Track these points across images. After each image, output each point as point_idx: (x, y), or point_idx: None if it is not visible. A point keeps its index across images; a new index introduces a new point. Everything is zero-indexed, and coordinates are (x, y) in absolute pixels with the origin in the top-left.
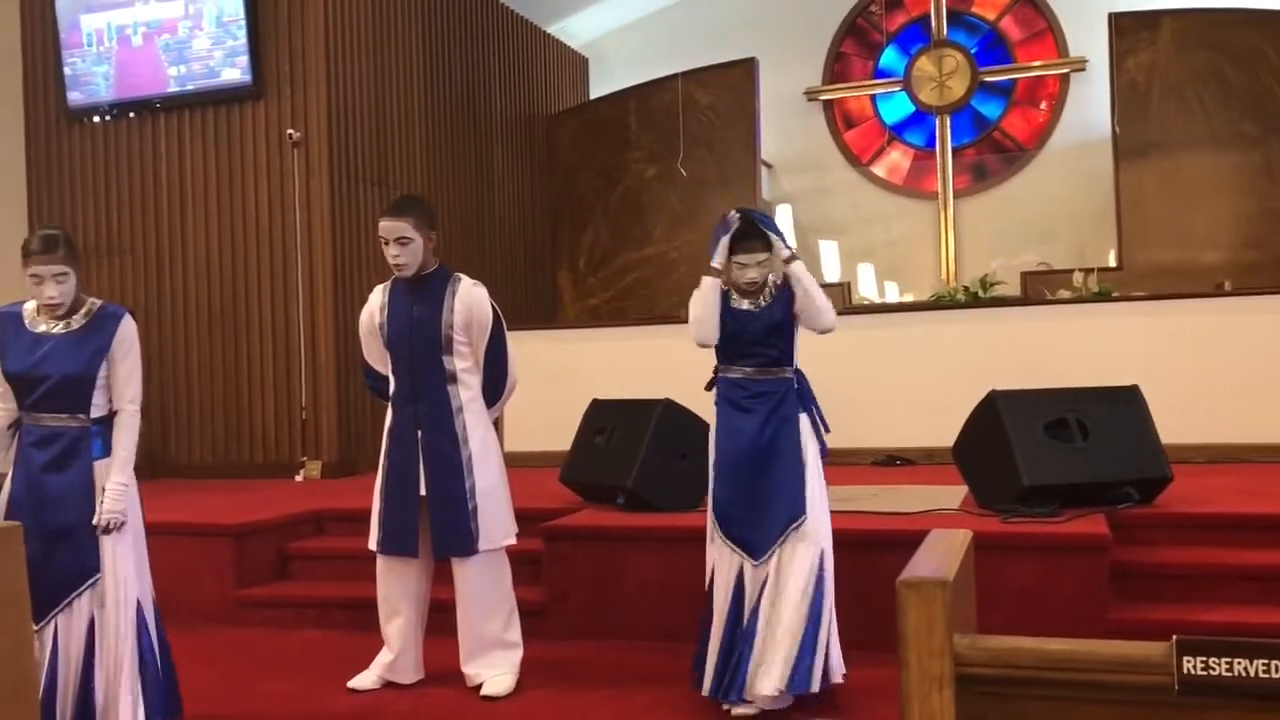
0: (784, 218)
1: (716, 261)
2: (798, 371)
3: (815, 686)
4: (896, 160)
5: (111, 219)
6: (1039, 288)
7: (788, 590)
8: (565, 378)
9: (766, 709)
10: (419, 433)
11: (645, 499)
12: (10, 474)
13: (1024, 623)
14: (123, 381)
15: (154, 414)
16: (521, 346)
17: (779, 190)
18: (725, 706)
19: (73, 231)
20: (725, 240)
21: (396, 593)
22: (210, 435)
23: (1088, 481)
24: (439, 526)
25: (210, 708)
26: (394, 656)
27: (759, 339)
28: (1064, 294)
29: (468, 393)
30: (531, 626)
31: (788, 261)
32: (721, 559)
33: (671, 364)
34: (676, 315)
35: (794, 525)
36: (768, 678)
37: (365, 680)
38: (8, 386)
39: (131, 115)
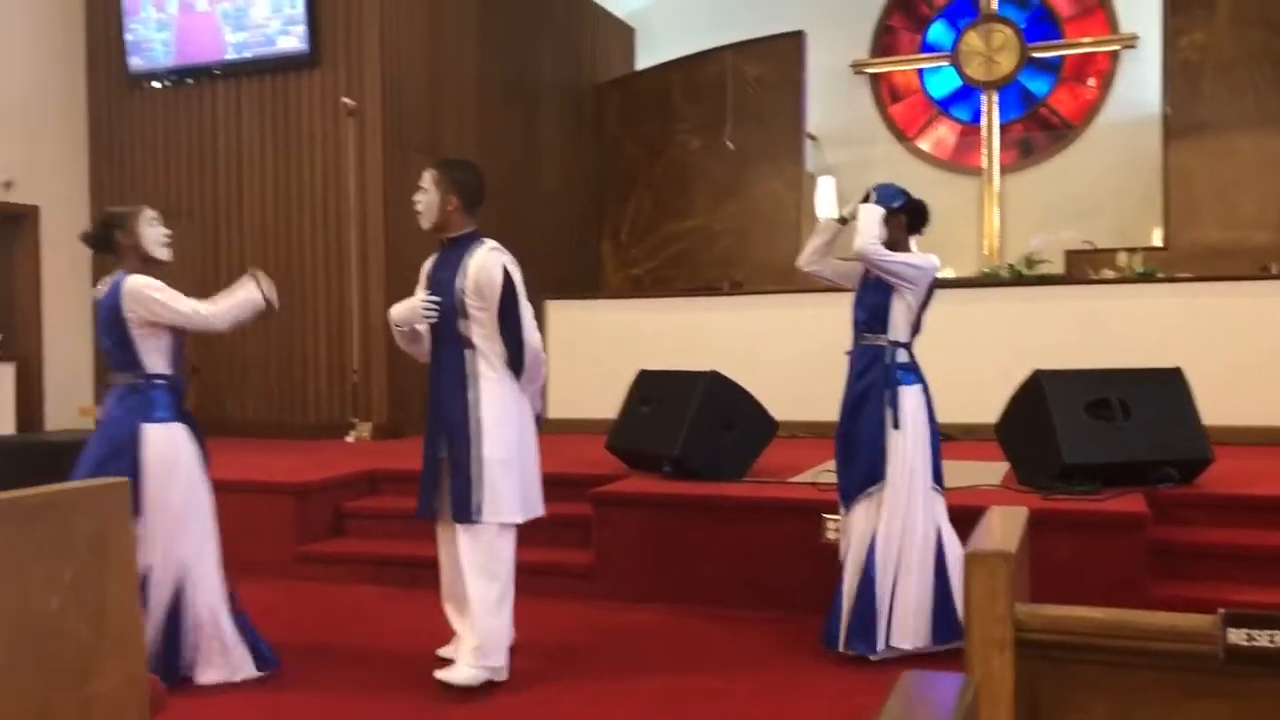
0: (826, 190)
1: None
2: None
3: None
4: (942, 135)
5: (169, 183)
6: (1083, 266)
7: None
8: (609, 346)
9: None
10: (439, 396)
11: (691, 468)
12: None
13: (1064, 599)
14: None
15: (211, 372)
16: (566, 314)
17: (823, 163)
18: None
19: (132, 193)
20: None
21: (443, 555)
22: (264, 395)
23: (1128, 461)
24: (451, 491)
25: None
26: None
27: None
28: (1108, 274)
29: (484, 361)
30: (579, 588)
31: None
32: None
33: (715, 336)
34: (720, 287)
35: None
36: None
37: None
38: None
39: (190, 81)
